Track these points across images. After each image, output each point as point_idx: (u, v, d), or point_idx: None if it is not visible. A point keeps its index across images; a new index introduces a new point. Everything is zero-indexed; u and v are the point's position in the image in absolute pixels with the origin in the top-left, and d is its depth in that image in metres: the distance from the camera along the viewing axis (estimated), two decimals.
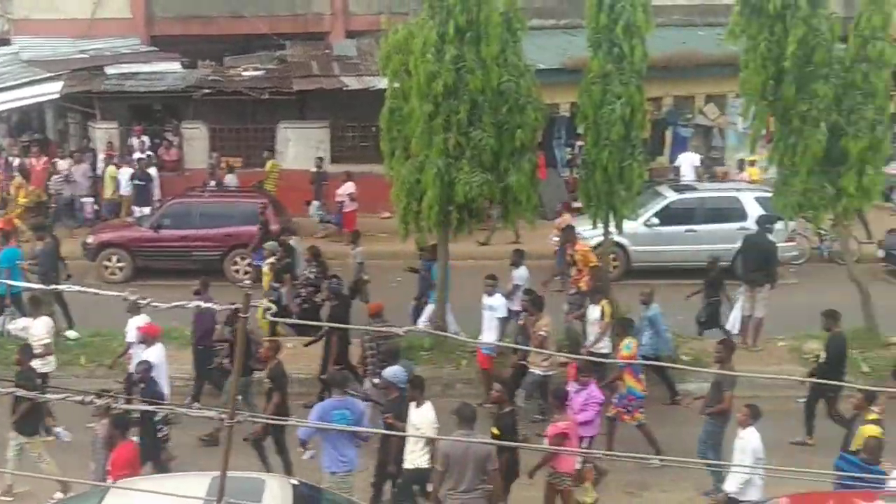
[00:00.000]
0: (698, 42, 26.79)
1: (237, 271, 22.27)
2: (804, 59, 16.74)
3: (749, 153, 24.03)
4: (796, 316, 17.89)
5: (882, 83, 16.96)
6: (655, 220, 22.55)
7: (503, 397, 13.15)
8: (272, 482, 11.40)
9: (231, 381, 15.03)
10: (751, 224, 20.74)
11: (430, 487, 12.55)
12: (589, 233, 20.62)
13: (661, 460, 13.36)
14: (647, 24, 16.82)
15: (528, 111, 16.91)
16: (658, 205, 22.80)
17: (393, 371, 13.83)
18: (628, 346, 15.02)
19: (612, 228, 17.92)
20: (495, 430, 12.57)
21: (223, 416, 6.57)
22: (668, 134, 29.03)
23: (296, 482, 11.73)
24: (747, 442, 12.35)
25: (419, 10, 17.69)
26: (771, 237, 18.92)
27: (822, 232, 22.86)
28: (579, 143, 23.58)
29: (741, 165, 26.80)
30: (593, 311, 16.33)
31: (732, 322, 18.45)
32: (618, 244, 21.17)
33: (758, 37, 16.90)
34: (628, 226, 18.77)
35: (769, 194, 19.33)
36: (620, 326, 15.56)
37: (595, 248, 19.22)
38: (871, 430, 12.33)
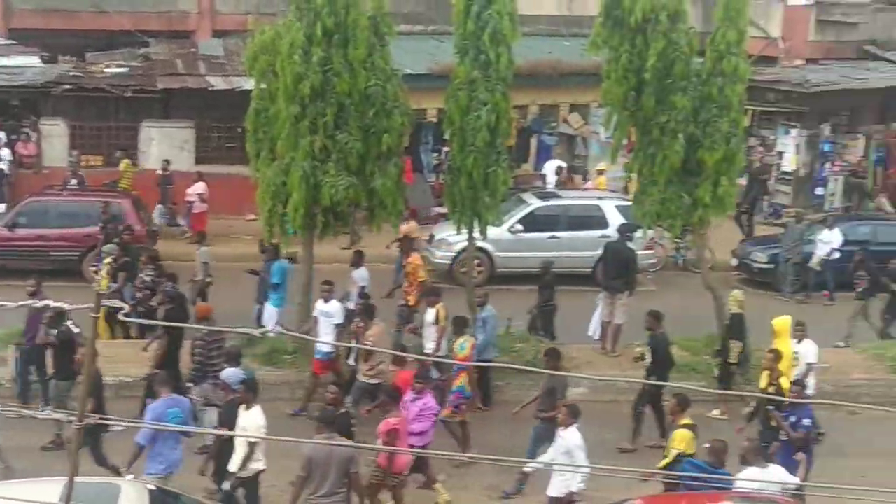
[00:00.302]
0: (563, 51, 27.22)
1: (96, 272, 21.70)
2: (664, 71, 17.14)
3: (611, 162, 24.50)
4: None
5: (736, 97, 17.50)
6: (519, 227, 22.84)
7: (338, 399, 13.34)
8: (127, 487, 11.18)
9: (53, 384, 14.91)
10: (612, 232, 21.16)
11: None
12: (454, 238, 20.81)
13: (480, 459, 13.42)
14: (514, 32, 17.02)
15: (394, 115, 16.95)
16: (522, 211, 23.11)
17: (228, 373, 13.82)
18: (462, 346, 15.18)
19: (476, 234, 18.10)
20: None
21: (71, 418, 6.43)
22: (533, 141, 29.48)
23: (152, 487, 11.52)
24: (568, 441, 12.32)
25: (287, 11, 17.59)
26: (631, 245, 19.35)
27: (679, 241, 23.52)
28: (446, 148, 23.71)
29: (585, 175, 27.35)
30: (429, 315, 16.40)
31: (594, 328, 18.85)
32: (482, 250, 21.40)
33: (619, 48, 17.25)
34: (492, 232, 18.97)
35: (629, 203, 19.77)
36: (456, 325, 15.69)
37: (459, 253, 19.31)
38: (681, 434, 12.62)
